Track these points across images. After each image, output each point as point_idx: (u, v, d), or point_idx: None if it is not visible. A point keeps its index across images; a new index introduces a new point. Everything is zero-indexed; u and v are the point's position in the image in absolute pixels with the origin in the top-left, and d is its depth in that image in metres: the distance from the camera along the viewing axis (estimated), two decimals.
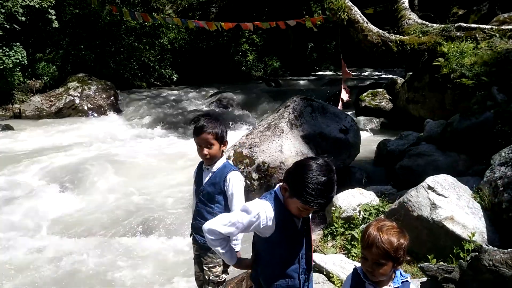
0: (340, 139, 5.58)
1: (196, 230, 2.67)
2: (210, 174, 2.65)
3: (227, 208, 2.60)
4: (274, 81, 17.15)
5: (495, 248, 2.48)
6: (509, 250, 2.44)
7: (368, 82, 14.22)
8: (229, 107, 12.03)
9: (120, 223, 5.09)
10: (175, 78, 16.82)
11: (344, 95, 8.77)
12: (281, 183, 1.83)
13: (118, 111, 12.77)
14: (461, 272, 2.45)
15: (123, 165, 7.21)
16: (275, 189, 1.87)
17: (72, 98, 12.34)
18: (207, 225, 1.84)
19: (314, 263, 3.27)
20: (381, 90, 11.27)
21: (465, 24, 8.91)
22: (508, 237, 3.06)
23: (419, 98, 9.21)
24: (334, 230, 3.74)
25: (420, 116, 8.88)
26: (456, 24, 8.89)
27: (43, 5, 11.82)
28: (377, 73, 19.25)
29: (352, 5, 9.41)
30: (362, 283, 1.76)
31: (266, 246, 1.85)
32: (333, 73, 20.40)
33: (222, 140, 2.63)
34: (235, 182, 2.60)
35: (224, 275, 2.77)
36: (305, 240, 1.88)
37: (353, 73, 15.91)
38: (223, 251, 1.86)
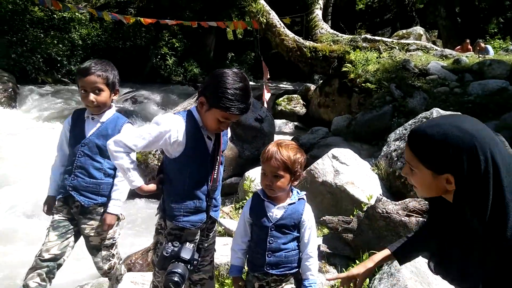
0: (256, 127, 5.68)
1: (77, 189, 2.24)
2: (99, 125, 2.29)
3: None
4: (194, 87, 17.01)
5: (388, 199, 2.67)
6: (399, 202, 2.65)
7: (284, 89, 14.79)
8: (146, 104, 11.59)
9: None
10: None
11: (266, 94, 9.01)
12: (198, 98, 1.78)
13: (15, 104, 11.54)
14: (358, 222, 2.59)
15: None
16: (190, 108, 1.83)
17: None
18: (112, 139, 1.72)
19: (224, 228, 3.22)
20: (295, 95, 11.80)
21: (370, 36, 9.79)
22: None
23: (329, 103, 9.82)
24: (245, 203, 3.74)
25: (330, 119, 9.41)
26: (363, 36, 9.73)
27: None
28: (291, 86, 20.16)
29: (271, 9, 9.78)
30: (262, 202, 1.79)
31: (175, 166, 1.78)
32: (252, 83, 20.87)
33: (113, 87, 2.29)
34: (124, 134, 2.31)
35: (117, 235, 2.40)
36: (215, 164, 1.83)
37: (271, 84, 16.51)
38: (130, 166, 1.71)
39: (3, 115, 10.53)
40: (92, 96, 2.21)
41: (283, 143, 1.75)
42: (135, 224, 4.36)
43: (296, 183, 1.78)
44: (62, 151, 2.38)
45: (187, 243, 1.75)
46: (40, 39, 14.86)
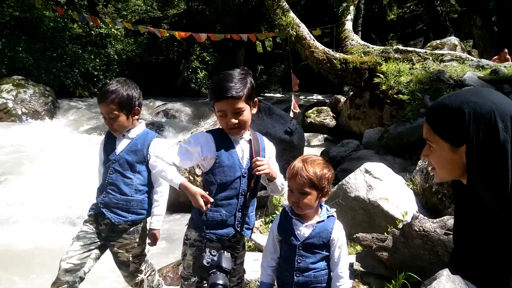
0: (285, 140, 5.65)
1: (109, 206, 2.25)
2: (129, 141, 2.31)
3: (149, 180, 2.32)
4: None
5: (425, 217, 2.56)
6: (437, 219, 2.54)
7: (314, 101, 14.73)
8: (177, 117, 11.82)
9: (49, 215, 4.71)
10: None
11: (294, 106, 9.00)
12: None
13: (55, 117, 12.07)
14: (393, 240, 2.50)
15: (51, 169, 6.72)
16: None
17: (5, 101, 11.48)
18: (157, 159, 1.83)
19: (254, 242, 3.20)
20: (325, 107, 11.71)
21: (402, 47, 9.61)
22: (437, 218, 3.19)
23: (360, 115, 9.66)
24: (275, 217, 3.70)
25: (360, 132, 9.29)
26: (395, 47, 9.56)
27: None
28: (322, 97, 20.04)
29: (300, 22, 9.81)
30: (289, 220, 1.75)
31: (207, 177, 1.82)
32: (281, 95, 20.91)
33: (129, 110, 2.27)
34: (161, 150, 2.21)
35: (145, 252, 2.43)
36: (246, 182, 1.83)
37: (301, 97, 16.49)
38: (169, 169, 1.79)
39: (43, 127, 11.06)
40: (108, 122, 2.26)
41: (308, 158, 1.71)
42: (169, 236, 4.40)
43: (324, 199, 1.74)
44: (99, 172, 2.40)
45: (225, 252, 1.72)
46: (78, 55, 15.55)
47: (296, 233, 1.71)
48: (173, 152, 1.81)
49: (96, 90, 16.04)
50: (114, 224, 2.25)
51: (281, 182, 1.93)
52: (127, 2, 21.02)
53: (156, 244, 2.37)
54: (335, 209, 1.80)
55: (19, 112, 11.57)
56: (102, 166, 2.35)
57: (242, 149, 1.84)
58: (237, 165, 1.80)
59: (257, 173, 1.78)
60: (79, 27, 16.40)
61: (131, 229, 2.30)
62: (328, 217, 1.74)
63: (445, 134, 1.07)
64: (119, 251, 2.29)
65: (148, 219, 2.37)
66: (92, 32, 16.71)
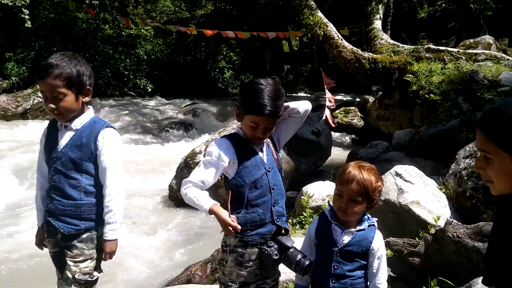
0: (312, 141, 5.62)
1: (54, 214, 1.89)
2: (72, 133, 1.90)
3: (97, 180, 1.92)
4: None
5: (459, 222, 2.50)
6: (472, 225, 2.47)
7: (341, 101, 14.56)
8: (204, 117, 11.97)
9: None
10: (150, 89, 16.67)
11: (329, 103, 8.86)
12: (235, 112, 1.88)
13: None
14: (426, 246, 2.45)
15: None
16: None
17: (41, 99, 11.92)
18: (182, 185, 1.78)
19: None
20: (353, 108, 11.57)
21: (434, 46, 9.35)
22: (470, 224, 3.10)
23: (389, 115, 9.48)
24: (303, 219, 3.71)
25: (390, 133, 9.10)
26: (426, 46, 9.32)
27: (17, 4, 11.57)
28: (349, 97, 19.78)
29: (328, 21, 9.72)
30: (328, 224, 1.72)
31: (236, 182, 1.81)
32: (307, 94, 20.79)
33: (80, 88, 1.86)
34: (112, 143, 1.92)
35: (96, 273, 1.97)
36: (273, 173, 1.85)
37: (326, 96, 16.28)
38: (197, 194, 1.74)
39: None
40: (52, 103, 1.81)
41: (365, 166, 1.66)
42: (195, 234, 4.47)
43: (370, 210, 1.71)
44: (41, 171, 2.00)
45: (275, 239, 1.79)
46: (110, 55, 15.98)
47: (335, 239, 1.68)
48: (196, 173, 1.79)
49: (126, 89, 16.47)
50: (65, 234, 1.89)
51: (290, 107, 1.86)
52: (156, 3, 21.42)
53: (112, 258, 1.96)
54: (376, 219, 1.75)
55: None
56: (46, 165, 1.95)
57: (259, 146, 1.86)
58: (260, 162, 1.82)
59: None
60: (110, 28, 16.85)
61: (85, 235, 1.92)
62: (369, 225, 1.70)
63: (506, 144, 1.00)
64: (69, 262, 1.90)
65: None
66: (123, 33, 17.14)
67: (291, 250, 1.72)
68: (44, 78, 1.79)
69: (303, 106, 1.89)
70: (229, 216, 1.73)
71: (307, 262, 1.69)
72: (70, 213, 1.89)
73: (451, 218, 2.55)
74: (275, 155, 1.90)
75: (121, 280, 3.54)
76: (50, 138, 1.94)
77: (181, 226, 4.81)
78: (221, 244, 1.88)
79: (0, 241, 4.22)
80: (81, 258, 1.91)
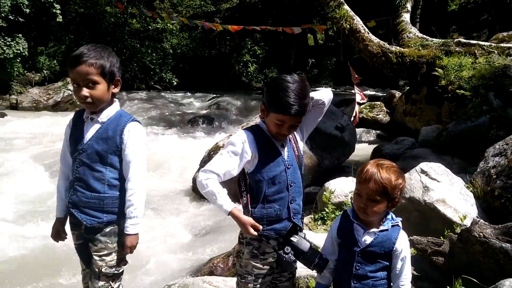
0: (336, 136, 5.57)
1: (78, 205, 1.92)
2: (98, 126, 1.92)
3: (121, 173, 1.94)
4: None
5: (486, 222, 2.44)
6: (500, 226, 2.41)
7: (367, 95, 14.33)
8: (228, 111, 12.05)
9: None
10: (175, 83, 16.90)
11: (359, 98, 8.74)
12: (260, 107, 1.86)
13: None
14: (451, 245, 2.41)
15: None
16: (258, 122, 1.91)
17: (71, 92, 12.29)
18: (200, 170, 1.79)
19: None
20: (378, 102, 11.36)
21: (464, 40, 9.04)
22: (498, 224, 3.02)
23: (416, 111, 9.25)
24: (325, 215, 3.69)
25: (416, 129, 8.88)
26: (456, 39, 9.03)
27: None
28: (374, 91, 19.43)
29: (354, 15, 9.55)
30: (351, 224, 1.70)
31: (255, 177, 1.81)
32: (332, 89, 20.55)
33: (111, 78, 1.89)
34: (137, 137, 1.93)
35: (122, 266, 2.02)
36: (293, 170, 1.85)
37: (352, 91, 16.05)
38: (218, 191, 1.73)
39: None
40: (85, 91, 1.83)
41: (384, 164, 1.62)
42: (216, 226, 4.53)
43: (392, 209, 1.67)
44: (65, 162, 2.02)
45: (291, 241, 1.79)
46: (137, 49, 16.29)
47: (357, 239, 1.66)
48: (218, 162, 1.75)
49: (152, 83, 16.75)
50: (87, 227, 1.92)
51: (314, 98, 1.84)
52: None
53: (132, 252, 1.97)
54: (400, 219, 1.71)
55: None
56: (71, 156, 1.97)
57: (281, 142, 1.85)
58: (280, 158, 1.82)
59: None
60: (137, 22, 17.14)
61: (108, 229, 1.94)
62: (392, 226, 1.67)
63: None
64: (94, 257, 1.94)
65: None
66: (150, 27, 17.41)
67: (308, 253, 1.74)
68: (79, 65, 1.81)
69: (327, 95, 1.88)
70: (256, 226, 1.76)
71: (323, 262, 1.72)
72: (93, 205, 1.91)
73: (477, 217, 2.49)
74: (296, 151, 1.89)
75: (144, 271, 3.64)
76: (76, 130, 1.96)
77: (204, 218, 4.89)
78: (238, 236, 1.92)
79: (31, 231, 4.37)
80: (106, 252, 1.94)
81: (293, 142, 1.90)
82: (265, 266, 1.81)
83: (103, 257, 1.93)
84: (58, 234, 2.05)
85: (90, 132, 1.91)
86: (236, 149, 1.76)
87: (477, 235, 2.28)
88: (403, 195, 3.16)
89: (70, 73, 1.85)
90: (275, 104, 1.73)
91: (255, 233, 1.73)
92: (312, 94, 1.82)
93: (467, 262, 2.35)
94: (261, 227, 1.75)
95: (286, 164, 1.83)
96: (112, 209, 1.93)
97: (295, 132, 1.90)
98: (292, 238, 1.79)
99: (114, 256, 1.96)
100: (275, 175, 1.80)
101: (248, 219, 1.74)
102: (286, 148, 1.86)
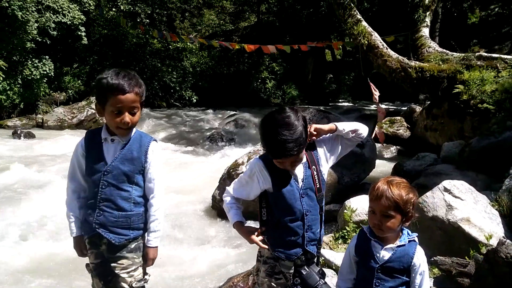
0: (356, 153, 5.52)
1: (105, 225, 1.94)
2: (120, 147, 1.94)
3: (143, 190, 2.01)
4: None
5: None
6: None
7: (387, 110, 14.20)
8: (246, 127, 12.13)
9: None
10: (195, 100, 17.16)
11: (380, 136, 8.66)
12: None
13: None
14: (476, 266, 2.34)
15: None
16: None
17: (94, 111, 12.65)
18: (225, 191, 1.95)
19: (323, 258, 3.17)
20: (399, 117, 11.23)
21: (486, 54, 8.93)
22: None
23: (437, 126, 9.12)
24: (346, 233, 3.65)
25: (438, 144, 8.75)
26: (477, 53, 8.92)
27: (74, 22, 12.39)
28: (394, 106, 19.23)
29: (373, 30, 9.57)
30: (368, 241, 1.72)
31: (271, 200, 1.87)
32: (350, 104, 20.47)
33: (143, 103, 1.97)
34: (158, 157, 2.02)
35: (147, 276, 2.08)
36: (308, 199, 1.84)
37: (371, 106, 15.92)
38: (230, 205, 1.93)
39: None
40: (127, 118, 1.86)
41: (394, 180, 1.66)
42: (240, 245, 4.52)
43: (407, 224, 1.69)
44: (75, 181, 2.03)
45: (302, 271, 1.81)
46: (158, 68, 16.65)
47: (375, 255, 1.68)
48: (235, 186, 1.93)
49: (172, 101, 17.05)
50: (114, 245, 1.95)
51: (342, 128, 1.87)
52: (202, 17, 22.10)
53: (153, 263, 2.06)
54: (416, 234, 1.73)
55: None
56: (87, 177, 1.98)
57: (295, 171, 1.84)
58: (295, 187, 1.82)
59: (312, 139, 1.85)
60: (158, 42, 17.58)
61: (133, 245, 2.00)
62: (409, 241, 1.69)
63: None
64: (121, 274, 1.96)
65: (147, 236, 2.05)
66: (170, 46, 17.81)
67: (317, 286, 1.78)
68: (127, 93, 1.83)
69: (365, 130, 1.94)
70: (258, 232, 1.86)
71: None
72: (121, 224, 1.96)
73: (504, 238, 2.42)
74: (315, 176, 1.85)
75: None
76: (93, 151, 1.96)
77: (224, 236, 4.89)
78: (257, 254, 1.96)
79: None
80: (134, 267, 1.99)
81: (313, 170, 1.86)
82: (280, 286, 1.84)
83: (131, 273, 1.98)
84: (82, 251, 2.10)
85: (111, 153, 1.94)
86: (250, 177, 1.86)
87: (504, 256, 2.22)
88: (426, 214, 3.11)
89: (113, 99, 1.84)
90: (269, 150, 1.76)
91: (257, 240, 1.83)
92: (355, 125, 1.88)
93: (493, 284, 2.28)
94: (264, 246, 1.85)
95: (300, 194, 1.83)
96: (138, 225, 2.00)
97: (319, 157, 1.89)
98: (302, 270, 1.80)
99: (140, 270, 2.03)
100: (289, 205, 1.81)
101: (247, 230, 1.87)
102: (301, 175, 1.85)
